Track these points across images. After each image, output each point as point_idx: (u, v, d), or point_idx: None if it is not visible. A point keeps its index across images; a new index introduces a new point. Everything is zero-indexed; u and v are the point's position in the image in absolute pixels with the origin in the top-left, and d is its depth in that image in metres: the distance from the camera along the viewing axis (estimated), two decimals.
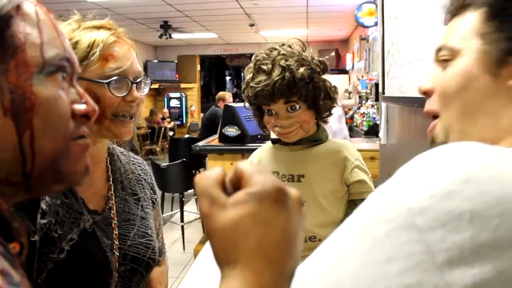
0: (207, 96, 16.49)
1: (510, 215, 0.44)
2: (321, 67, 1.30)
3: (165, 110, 12.60)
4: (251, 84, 1.27)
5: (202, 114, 12.33)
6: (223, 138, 4.49)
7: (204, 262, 1.08)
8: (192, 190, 5.87)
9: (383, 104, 2.89)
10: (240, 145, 4.41)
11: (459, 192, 0.46)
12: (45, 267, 0.97)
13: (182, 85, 13.20)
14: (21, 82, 0.56)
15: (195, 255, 4.65)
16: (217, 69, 18.45)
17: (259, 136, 4.55)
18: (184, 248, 4.97)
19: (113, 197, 1.16)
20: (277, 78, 1.22)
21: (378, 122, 5.75)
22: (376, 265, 0.48)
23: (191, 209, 5.73)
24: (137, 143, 1.26)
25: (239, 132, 4.43)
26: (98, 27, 1.07)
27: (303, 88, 1.24)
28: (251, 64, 1.30)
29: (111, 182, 1.18)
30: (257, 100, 1.28)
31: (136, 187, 1.25)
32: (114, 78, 1.04)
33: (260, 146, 4.43)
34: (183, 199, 5.35)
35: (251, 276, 0.44)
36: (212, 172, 0.49)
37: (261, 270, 0.44)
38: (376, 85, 5.74)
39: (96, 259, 1.06)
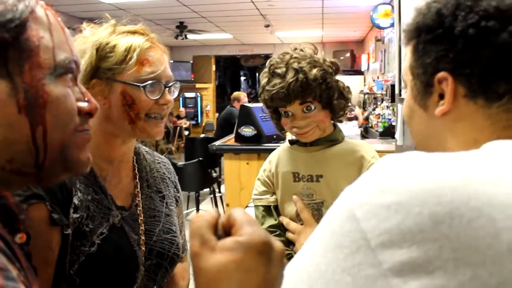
0: (222, 96, 16.56)
1: (429, 204, 0.53)
2: (333, 68, 1.34)
3: (181, 109, 12.68)
4: (267, 88, 1.31)
5: (217, 114, 12.40)
6: (239, 137, 4.53)
7: None
8: (208, 189, 5.94)
9: (400, 105, 2.91)
10: (256, 145, 4.44)
11: (388, 188, 0.56)
12: (77, 259, 1.02)
13: (198, 85, 13.29)
14: (34, 82, 0.61)
15: None
16: (232, 70, 18.50)
17: (274, 136, 4.58)
18: None
19: (140, 194, 1.21)
20: (291, 80, 1.26)
21: (393, 123, 5.75)
22: (331, 251, 0.58)
23: (206, 207, 5.78)
24: (163, 143, 1.32)
25: (255, 132, 4.46)
26: (133, 32, 1.12)
27: (317, 88, 1.28)
28: (266, 69, 1.34)
29: (137, 180, 1.23)
30: (274, 103, 1.32)
31: (161, 185, 1.30)
32: (149, 82, 1.09)
33: (275, 146, 4.44)
34: (199, 198, 5.40)
35: None
36: (207, 214, 0.55)
37: None
38: (392, 86, 5.74)
39: (125, 253, 1.10)
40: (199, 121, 13.39)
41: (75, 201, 1.05)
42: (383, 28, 7.10)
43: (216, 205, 5.64)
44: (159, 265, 1.18)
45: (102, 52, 1.08)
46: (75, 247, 1.03)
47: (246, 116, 4.55)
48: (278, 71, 1.29)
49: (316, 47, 1.38)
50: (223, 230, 0.55)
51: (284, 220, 1.40)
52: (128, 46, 1.08)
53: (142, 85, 1.09)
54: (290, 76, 1.27)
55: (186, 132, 11.96)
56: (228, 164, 4.64)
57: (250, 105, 4.81)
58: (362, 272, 0.55)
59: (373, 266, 0.54)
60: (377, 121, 7.21)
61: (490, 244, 0.51)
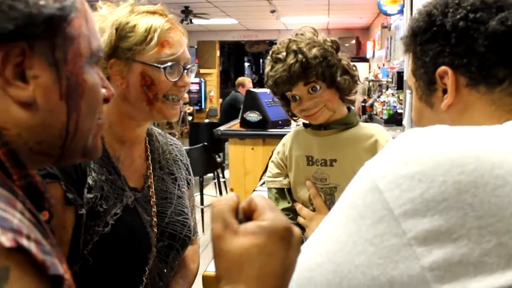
0: (226, 82, 16.49)
1: (453, 173, 0.54)
2: (334, 46, 1.34)
3: (186, 95, 12.61)
4: (270, 74, 1.32)
5: (221, 100, 12.37)
6: (245, 123, 4.52)
7: None
8: (212, 174, 5.94)
9: (408, 92, 2.89)
10: (261, 130, 4.44)
11: (411, 159, 0.57)
12: (91, 240, 1.02)
13: (202, 71, 13.21)
14: (76, 70, 0.63)
15: None
16: (236, 55, 18.43)
17: (280, 122, 4.57)
18: (203, 231, 5.04)
19: (152, 176, 1.21)
20: (291, 62, 1.26)
21: (399, 111, 5.73)
22: (352, 222, 0.59)
23: (210, 192, 5.79)
24: (166, 129, 1.32)
25: (261, 117, 4.45)
26: (152, 12, 1.11)
27: (318, 66, 1.28)
28: (268, 57, 1.35)
29: (149, 162, 1.22)
30: (279, 88, 1.32)
31: (173, 167, 1.29)
32: (169, 64, 1.08)
33: (281, 131, 4.42)
34: (203, 182, 5.41)
35: None
36: (228, 198, 0.57)
37: None
38: (399, 73, 5.71)
39: (138, 234, 1.10)
40: (203, 106, 13.36)
41: (89, 181, 1.04)
42: (390, 15, 7.03)
43: (220, 190, 5.64)
44: (170, 246, 1.18)
45: (122, 32, 1.07)
46: (89, 227, 1.03)
47: (252, 101, 4.54)
48: (279, 56, 1.30)
49: (316, 30, 1.37)
50: (244, 214, 0.56)
51: (297, 205, 1.40)
52: (148, 26, 1.07)
53: (162, 66, 1.08)
54: (290, 58, 1.27)
55: (190, 118, 11.94)
56: (233, 149, 4.63)
57: (256, 90, 4.80)
58: (385, 242, 0.56)
59: (396, 236, 0.55)
60: (382, 108, 7.19)
61: None
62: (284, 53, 1.29)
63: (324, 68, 1.29)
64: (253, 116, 4.52)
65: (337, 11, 9.62)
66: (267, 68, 1.34)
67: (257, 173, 4.57)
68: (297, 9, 9.42)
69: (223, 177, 5.88)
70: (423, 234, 0.54)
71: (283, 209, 1.41)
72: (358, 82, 1.38)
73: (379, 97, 7.78)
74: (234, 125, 5.12)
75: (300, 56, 1.26)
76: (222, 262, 0.54)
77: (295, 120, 1.48)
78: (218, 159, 5.96)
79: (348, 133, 1.37)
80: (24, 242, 0.47)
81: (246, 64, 19.61)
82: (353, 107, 1.45)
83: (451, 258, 0.53)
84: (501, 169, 0.54)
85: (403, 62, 5.15)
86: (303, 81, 1.28)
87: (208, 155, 5.40)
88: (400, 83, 5.45)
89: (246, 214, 0.56)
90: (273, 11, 8.97)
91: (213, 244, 0.55)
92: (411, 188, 0.55)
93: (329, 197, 1.36)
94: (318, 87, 1.30)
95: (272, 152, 2.26)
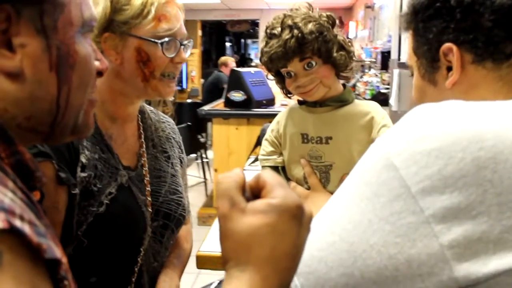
0: (207, 62, 16.34)
1: (472, 149, 0.52)
2: (330, 21, 1.31)
3: None
4: (265, 50, 1.29)
5: (202, 80, 12.26)
6: (229, 102, 4.48)
7: None
8: (194, 154, 5.89)
9: (396, 71, 2.88)
10: (246, 110, 4.41)
11: (428, 135, 0.55)
12: (85, 220, 0.99)
13: None
14: (66, 40, 0.58)
15: (199, 218, 4.70)
16: (218, 35, 18.23)
17: (264, 101, 4.54)
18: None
19: (145, 154, 1.17)
20: (287, 37, 1.24)
21: (382, 91, 5.73)
22: (365, 201, 0.57)
23: (193, 173, 5.75)
24: (170, 103, 1.28)
25: (245, 97, 4.42)
26: None
27: (314, 42, 1.25)
28: (263, 33, 1.32)
29: (142, 140, 1.18)
30: (274, 64, 1.29)
31: (166, 145, 1.26)
32: (166, 39, 1.04)
33: (265, 111, 4.39)
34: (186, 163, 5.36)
35: (258, 281, 0.48)
36: (234, 174, 0.52)
37: (268, 277, 0.48)
38: (382, 53, 5.70)
39: (133, 213, 1.07)
40: (185, 86, 13.23)
41: (83, 159, 1.00)
42: None
43: (204, 171, 5.61)
44: (165, 226, 1.16)
45: (117, 4, 1.02)
46: (83, 208, 0.99)
47: (236, 81, 4.50)
48: (274, 31, 1.27)
49: (311, 5, 1.34)
50: (251, 191, 0.53)
51: (292, 184, 1.38)
52: (144, 0, 1.03)
53: (160, 41, 1.04)
54: (285, 34, 1.24)
55: (172, 98, 11.82)
56: (217, 129, 4.60)
57: (240, 69, 4.75)
58: (402, 220, 0.54)
59: (414, 214, 0.54)
60: (365, 89, 7.19)
61: None
62: (279, 29, 1.26)
63: (320, 44, 1.26)
64: (237, 96, 4.48)
65: None
66: (262, 44, 1.31)
67: (242, 153, 4.55)
68: None
69: (206, 157, 5.84)
70: (441, 211, 0.52)
71: None
72: (354, 58, 1.36)
73: (361, 77, 7.78)
74: (218, 104, 5.08)
75: (295, 31, 1.23)
76: (229, 242, 0.50)
77: (289, 97, 1.45)
78: (201, 140, 5.92)
79: (343, 110, 1.35)
80: (17, 223, 0.43)
81: (228, 44, 19.44)
82: (348, 84, 1.43)
83: (471, 235, 0.51)
84: None
85: (387, 42, 5.14)
86: (298, 56, 1.25)
87: (192, 135, 5.36)
88: (384, 63, 5.45)
89: (254, 192, 0.52)
90: None
91: (220, 224, 0.51)
92: (428, 164, 0.54)
93: (324, 175, 1.35)
94: (314, 63, 1.27)
95: (261, 132, 2.23)
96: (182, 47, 1.09)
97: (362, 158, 0.62)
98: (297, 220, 0.51)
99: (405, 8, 0.81)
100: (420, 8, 0.76)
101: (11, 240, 0.42)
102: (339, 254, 0.59)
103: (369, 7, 8.28)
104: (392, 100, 2.90)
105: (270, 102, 4.62)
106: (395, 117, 3.24)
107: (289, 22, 1.25)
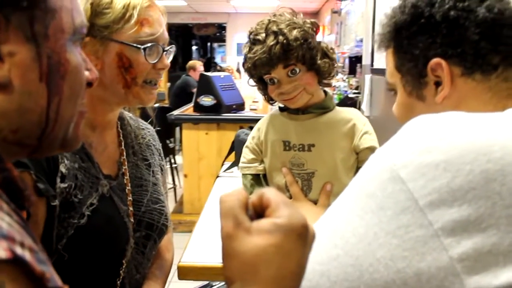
0: (173, 66, 16.21)
1: (480, 162, 0.52)
2: (314, 28, 1.31)
3: None
4: (249, 56, 1.27)
5: (168, 84, 12.15)
6: (198, 107, 4.45)
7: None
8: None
9: (367, 76, 2.91)
10: (216, 115, 4.40)
11: (435, 147, 0.54)
12: (65, 233, 0.94)
13: None
14: (57, 48, 0.55)
15: None
16: (184, 39, 18.12)
17: (234, 106, 4.53)
18: None
19: (126, 162, 1.13)
20: (272, 44, 1.22)
21: (349, 95, 5.79)
22: (370, 214, 0.56)
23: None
24: (151, 110, 1.25)
25: (215, 101, 4.39)
26: None
27: (299, 49, 1.24)
28: (247, 39, 1.30)
29: (123, 147, 1.14)
30: (257, 70, 1.27)
31: (146, 152, 1.22)
32: (149, 44, 1.01)
33: (235, 116, 4.36)
34: None
35: None
36: (237, 193, 0.51)
37: None
38: (350, 58, 5.76)
39: (115, 225, 1.03)
40: None
41: (62, 169, 0.96)
42: (342, 0, 7.09)
43: (173, 176, 5.54)
44: (148, 237, 1.12)
45: (97, 7, 0.98)
46: (63, 220, 0.94)
47: (206, 85, 4.47)
48: (258, 37, 1.25)
49: (295, 11, 1.33)
50: (254, 210, 0.51)
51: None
52: (126, 3, 0.99)
53: (142, 47, 1.00)
54: (270, 40, 1.22)
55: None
56: (187, 134, 4.56)
57: (209, 74, 4.72)
58: (410, 234, 0.53)
59: (422, 227, 0.53)
60: (333, 93, 7.26)
61: None
62: (264, 34, 1.24)
63: (304, 51, 1.25)
64: (207, 100, 4.45)
65: None
66: (245, 50, 1.29)
67: (212, 158, 4.52)
68: None
69: (175, 162, 5.77)
70: (450, 224, 0.52)
71: None
72: (336, 65, 1.35)
73: None
74: (187, 109, 5.03)
75: (281, 37, 1.22)
76: (234, 263, 0.49)
77: (271, 104, 1.43)
78: (170, 145, 5.85)
79: (326, 117, 1.34)
80: (18, 250, 0.39)
81: (194, 47, 19.34)
82: (329, 91, 1.42)
83: (481, 248, 0.51)
84: None
85: (355, 47, 5.19)
86: (283, 63, 1.24)
87: (161, 141, 5.27)
88: (352, 68, 5.51)
89: (257, 210, 0.51)
90: None
91: (223, 243, 0.49)
92: (436, 177, 0.53)
93: (306, 183, 1.33)
94: (297, 70, 1.26)
95: (235, 138, 2.21)
96: (164, 53, 1.06)
97: (362, 169, 0.61)
98: (302, 240, 0.50)
99: (382, 27, 0.81)
100: (403, 25, 0.76)
101: (12, 269, 0.38)
102: (344, 268, 0.58)
103: (335, 12, 8.36)
104: (364, 106, 2.92)
105: (240, 106, 4.61)
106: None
107: (274, 28, 1.23)
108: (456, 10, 0.71)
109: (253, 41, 1.26)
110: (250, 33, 1.28)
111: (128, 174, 1.12)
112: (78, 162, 1.00)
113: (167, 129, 5.91)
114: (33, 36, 0.52)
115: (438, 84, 0.74)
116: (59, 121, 0.57)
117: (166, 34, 1.07)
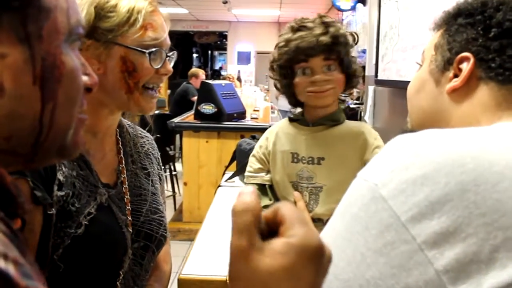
0: (174, 73, 16.20)
1: (454, 174, 0.54)
2: (354, 39, 1.33)
3: None
4: (293, 37, 1.25)
5: (169, 91, 12.15)
6: (199, 115, 4.43)
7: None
8: (163, 167, 5.77)
9: (371, 88, 2.88)
10: (216, 123, 4.38)
11: (411, 164, 0.56)
12: (62, 243, 0.91)
13: None
14: (52, 49, 0.52)
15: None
16: (184, 46, 18.15)
17: (235, 115, 4.51)
18: None
19: (124, 171, 1.10)
20: (321, 32, 1.23)
21: (351, 106, 5.77)
22: (356, 235, 0.57)
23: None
24: (149, 118, 1.22)
25: (216, 109, 4.38)
26: None
27: (343, 47, 1.26)
28: (289, 25, 1.30)
29: (121, 155, 1.12)
30: (298, 54, 1.25)
31: (145, 161, 1.19)
32: (153, 49, 0.99)
33: (236, 124, 4.34)
34: None
35: None
36: (251, 207, 0.47)
37: None
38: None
39: (113, 235, 1.00)
40: None
41: (60, 177, 0.93)
42: (343, 11, 7.09)
43: (173, 184, 5.51)
44: (146, 247, 1.09)
45: (101, 11, 0.96)
46: (59, 229, 0.91)
47: (207, 93, 4.46)
48: (305, 24, 1.26)
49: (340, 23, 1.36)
50: (267, 224, 0.48)
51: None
52: (131, 7, 0.97)
53: (147, 51, 0.98)
54: (319, 29, 1.24)
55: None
56: (187, 142, 4.53)
57: (211, 82, 4.70)
58: (396, 250, 0.54)
59: (406, 242, 0.54)
60: None
61: None
62: (311, 24, 1.25)
63: (346, 53, 1.27)
64: (208, 108, 4.43)
65: (289, 4, 9.63)
66: (285, 37, 1.28)
67: (212, 166, 4.49)
68: (249, 1, 9.37)
69: (175, 170, 5.74)
70: (432, 236, 0.53)
71: (265, 206, 1.34)
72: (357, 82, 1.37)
73: None
74: (187, 117, 5.01)
75: (331, 29, 1.23)
76: (242, 282, 0.46)
77: (291, 109, 1.42)
78: (170, 152, 5.82)
79: (336, 130, 1.32)
80: (1, 263, 0.37)
81: (195, 55, 19.38)
82: (341, 106, 1.41)
83: (463, 258, 0.52)
84: (498, 165, 0.54)
85: (358, 57, 5.18)
86: (325, 54, 1.24)
87: (161, 148, 5.26)
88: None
89: (270, 225, 0.48)
90: (225, 2, 8.87)
91: (232, 261, 0.46)
92: (415, 192, 0.54)
93: (314, 197, 1.31)
94: (333, 68, 1.26)
95: (237, 148, 2.18)
96: (167, 58, 1.04)
97: (348, 191, 0.62)
98: (315, 263, 0.47)
99: (449, 8, 0.83)
100: (464, 12, 0.78)
101: None
102: None
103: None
104: (367, 117, 2.90)
105: (241, 115, 4.59)
106: None
107: (324, 20, 1.25)
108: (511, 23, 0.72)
109: (298, 28, 1.26)
110: (293, 22, 1.29)
111: (127, 183, 1.09)
112: (76, 170, 0.97)
113: (167, 136, 5.90)
114: (26, 37, 0.49)
115: (455, 76, 0.76)
116: (54, 127, 0.54)
117: (168, 40, 1.06)
